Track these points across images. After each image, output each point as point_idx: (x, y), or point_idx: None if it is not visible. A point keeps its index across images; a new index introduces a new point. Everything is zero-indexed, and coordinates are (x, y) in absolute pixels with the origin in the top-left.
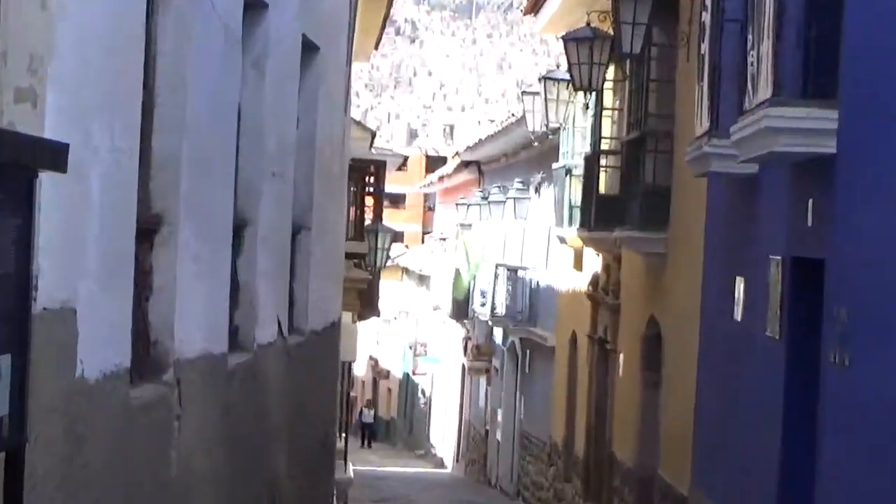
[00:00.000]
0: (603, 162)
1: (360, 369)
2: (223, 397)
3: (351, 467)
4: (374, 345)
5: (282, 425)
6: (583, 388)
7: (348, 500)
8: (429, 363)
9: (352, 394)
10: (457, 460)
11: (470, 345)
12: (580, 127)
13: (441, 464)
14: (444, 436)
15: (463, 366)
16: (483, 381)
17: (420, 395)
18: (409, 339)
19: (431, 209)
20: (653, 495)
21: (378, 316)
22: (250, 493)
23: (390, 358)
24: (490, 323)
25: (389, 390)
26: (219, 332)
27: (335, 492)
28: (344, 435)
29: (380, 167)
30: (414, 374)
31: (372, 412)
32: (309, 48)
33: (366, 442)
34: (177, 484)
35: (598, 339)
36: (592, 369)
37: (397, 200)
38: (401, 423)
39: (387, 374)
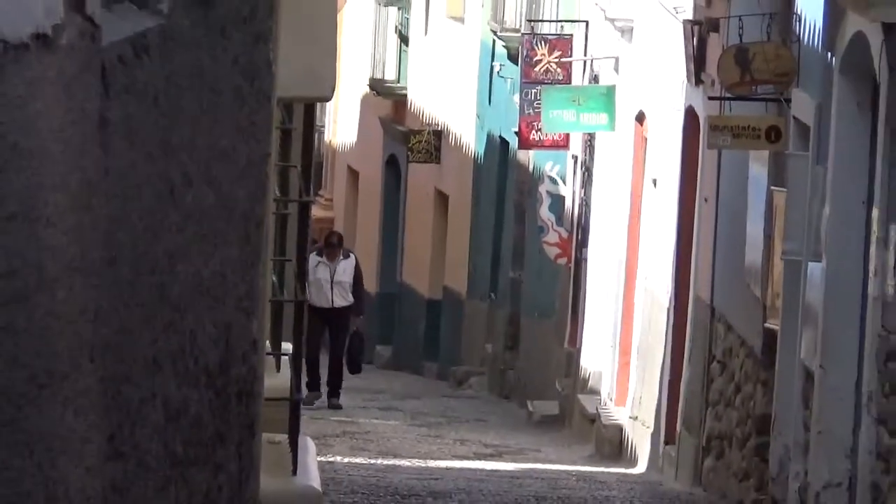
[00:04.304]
0: None
1: (347, 129)
2: None
3: (312, 456)
4: (379, 47)
5: (78, 328)
6: None
7: None
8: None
9: (322, 196)
10: (671, 439)
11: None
12: None
13: (611, 449)
14: (617, 358)
15: (688, 120)
16: (758, 168)
17: (547, 221)
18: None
19: None
20: None
21: None
22: None
23: (440, 85)
24: None
25: (439, 196)
26: None
27: None
28: (287, 351)
29: None
30: (525, 143)
31: (344, 264)
32: None
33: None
34: None
35: None
36: None
37: None
38: (476, 310)
39: (436, 139)
